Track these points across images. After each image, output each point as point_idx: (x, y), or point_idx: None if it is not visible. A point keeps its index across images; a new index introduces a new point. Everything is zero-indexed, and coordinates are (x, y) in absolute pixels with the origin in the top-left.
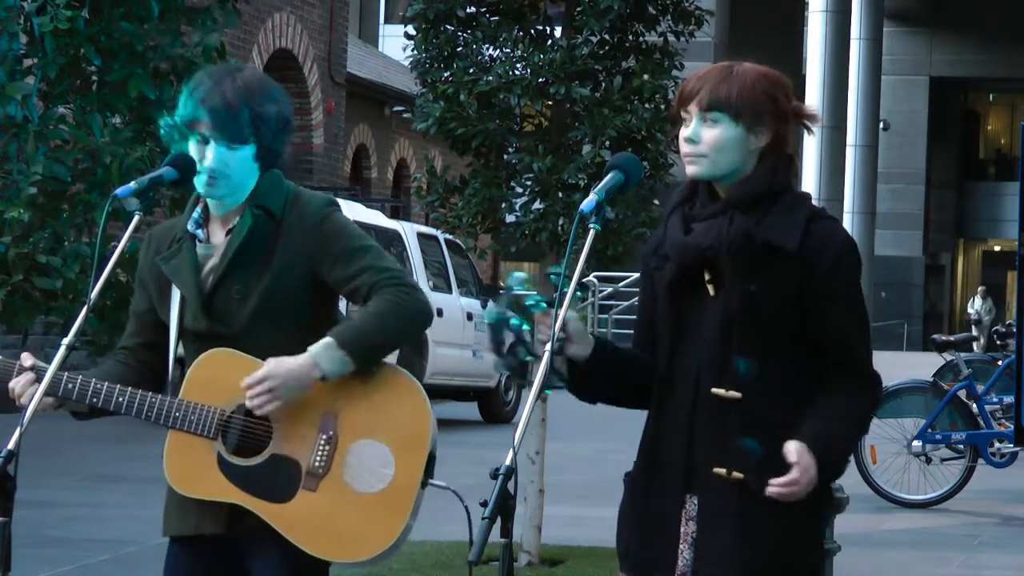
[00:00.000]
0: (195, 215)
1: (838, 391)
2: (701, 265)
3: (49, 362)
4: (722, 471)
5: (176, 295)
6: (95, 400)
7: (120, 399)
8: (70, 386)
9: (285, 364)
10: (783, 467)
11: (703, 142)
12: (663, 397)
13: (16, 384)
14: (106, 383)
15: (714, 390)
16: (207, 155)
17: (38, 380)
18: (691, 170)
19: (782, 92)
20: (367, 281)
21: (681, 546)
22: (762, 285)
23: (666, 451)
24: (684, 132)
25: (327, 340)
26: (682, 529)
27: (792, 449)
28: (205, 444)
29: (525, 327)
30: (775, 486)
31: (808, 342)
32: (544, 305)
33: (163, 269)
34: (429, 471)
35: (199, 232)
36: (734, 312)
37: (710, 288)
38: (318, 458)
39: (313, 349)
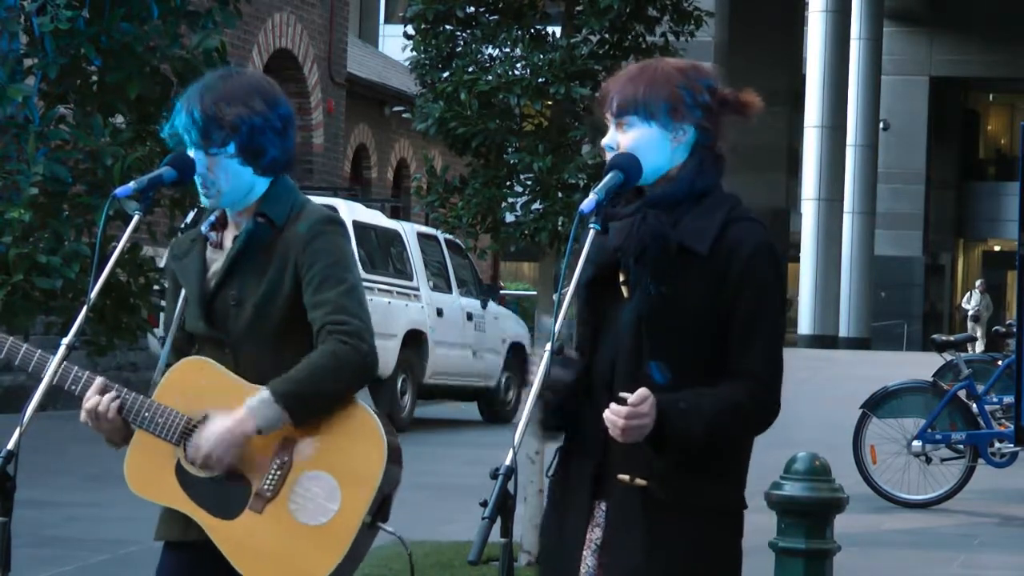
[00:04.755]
0: (211, 218)
1: (727, 385)
2: (615, 266)
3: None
4: (625, 477)
5: (180, 298)
6: (74, 388)
7: None
8: (40, 364)
9: (217, 430)
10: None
11: (620, 147)
12: (580, 401)
13: (90, 401)
14: (87, 373)
15: (622, 395)
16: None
17: (104, 391)
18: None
19: (701, 85)
20: (321, 318)
21: (584, 552)
22: (674, 288)
23: (579, 456)
24: (603, 140)
25: (264, 395)
26: (588, 535)
27: (639, 392)
28: (167, 449)
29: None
30: (610, 413)
31: (724, 347)
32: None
33: (174, 268)
34: (383, 513)
35: (212, 235)
36: (644, 316)
37: (624, 290)
38: (268, 481)
39: (251, 402)
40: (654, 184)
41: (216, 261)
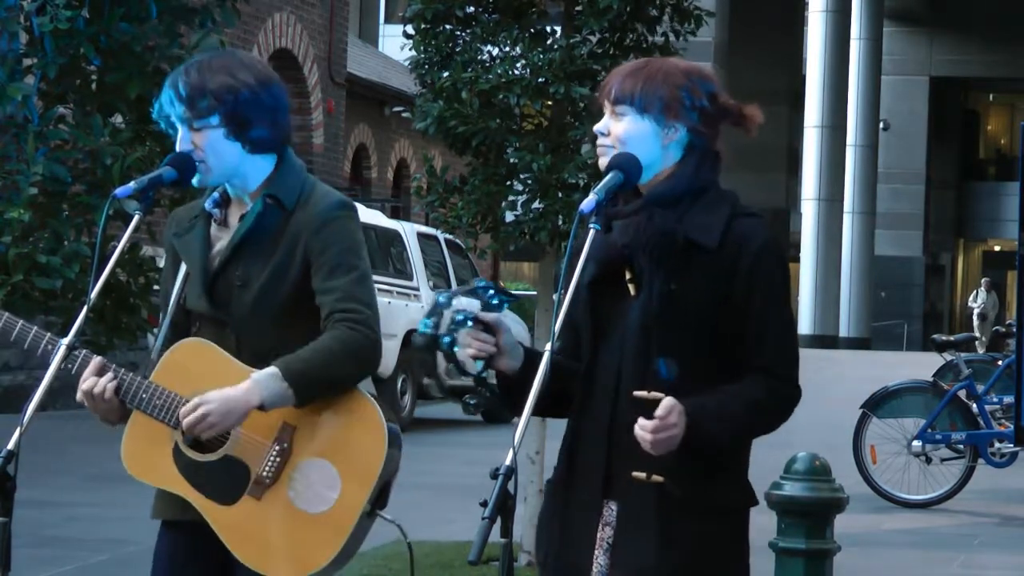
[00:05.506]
0: (215, 195)
1: (745, 382)
2: (621, 264)
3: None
4: (641, 475)
5: (180, 275)
6: (70, 367)
7: None
8: (49, 348)
9: (223, 393)
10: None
11: (611, 135)
12: (584, 400)
13: (87, 382)
14: (84, 352)
15: (636, 393)
16: (178, 142)
17: (101, 372)
18: (601, 161)
19: (700, 87)
20: (331, 304)
21: (596, 552)
22: (682, 284)
23: (585, 455)
24: (596, 124)
25: (272, 370)
26: (598, 535)
27: (664, 403)
28: (165, 431)
29: (455, 347)
30: (639, 428)
31: (731, 341)
32: (470, 323)
33: (175, 245)
34: (382, 500)
35: (215, 211)
36: (654, 312)
37: (631, 288)
38: (267, 467)
39: (257, 376)
40: (651, 181)
41: (220, 239)
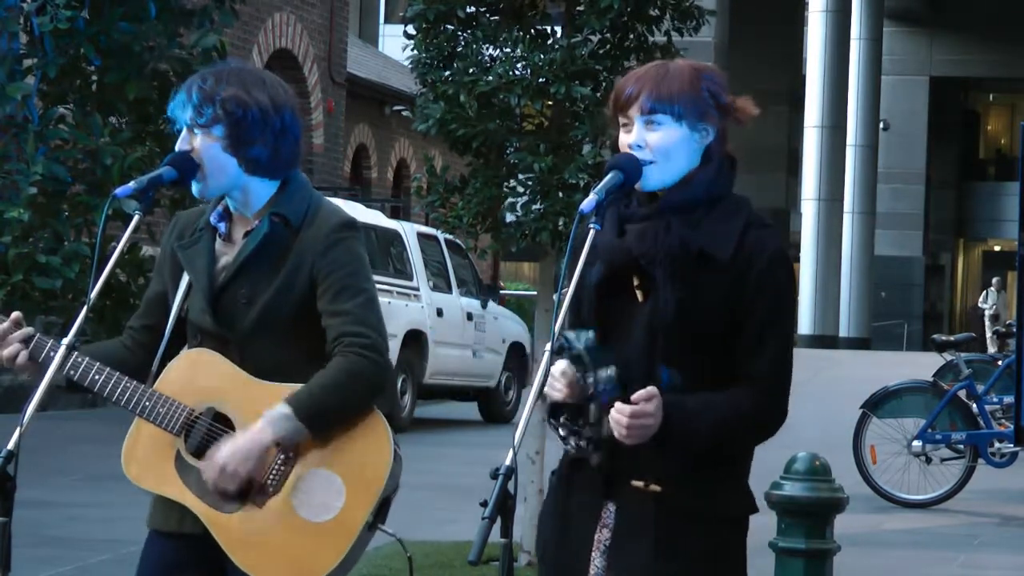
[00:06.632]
0: (219, 208)
1: (733, 390)
2: (630, 269)
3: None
4: (640, 483)
5: (182, 286)
6: (72, 372)
7: (96, 376)
8: (51, 354)
9: (234, 441)
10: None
11: (648, 147)
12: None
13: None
14: (86, 359)
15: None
16: (178, 142)
17: (24, 342)
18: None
19: (720, 86)
20: (339, 328)
21: (593, 553)
22: (693, 294)
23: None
24: (627, 139)
25: (284, 410)
26: (596, 536)
27: (646, 390)
28: (167, 439)
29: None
30: (616, 411)
31: (736, 351)
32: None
33: (179, 256)
34: (381, 515)
35: (221, 226)
36: (663, 321)
37: (639, 294)
38: (271, 476)
39: (270, 415)
40: (673, 187)
41: (225, 255)
